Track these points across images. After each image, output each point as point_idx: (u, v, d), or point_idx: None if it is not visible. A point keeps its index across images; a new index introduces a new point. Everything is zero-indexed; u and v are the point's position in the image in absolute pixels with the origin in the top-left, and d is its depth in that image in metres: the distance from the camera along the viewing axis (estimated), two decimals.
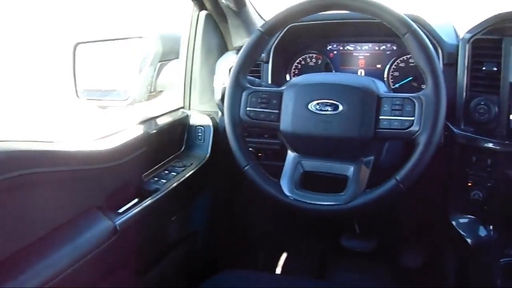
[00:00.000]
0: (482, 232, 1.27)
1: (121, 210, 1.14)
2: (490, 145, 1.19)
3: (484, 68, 1.20)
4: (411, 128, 0.99)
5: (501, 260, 1.18)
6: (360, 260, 1.82)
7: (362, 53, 1.44)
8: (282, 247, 1.92)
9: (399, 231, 1.76)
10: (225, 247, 1.69)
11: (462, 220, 1.29)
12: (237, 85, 1.12)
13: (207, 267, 1.51)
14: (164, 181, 1.30)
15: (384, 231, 1.79)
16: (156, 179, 1.31)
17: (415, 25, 1.01)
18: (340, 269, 1.84)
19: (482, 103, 1.19)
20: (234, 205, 1.71)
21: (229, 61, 1.37)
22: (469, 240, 1.28)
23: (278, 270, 1.87)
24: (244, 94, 1.12)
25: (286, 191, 1.07)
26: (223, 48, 1.57)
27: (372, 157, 1.07)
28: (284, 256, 1.90)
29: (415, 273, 1.76)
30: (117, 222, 1.07)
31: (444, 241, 1.51)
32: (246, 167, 1.10)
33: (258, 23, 1.50)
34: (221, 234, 1.66)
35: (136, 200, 1.20)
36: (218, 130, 1.48)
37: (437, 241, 1.58)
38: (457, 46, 1.25)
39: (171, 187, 1.28)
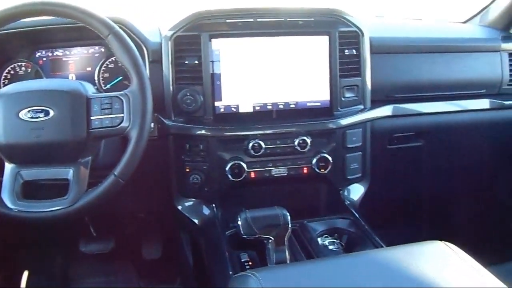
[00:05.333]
0: (206, 211, 1.40)
1: None
2: (203, 131, 1.32)
3: (186, 62, 1.31)
4: (122, 125, 1.04)
5: (227, 233, 1.31)
6: (103, 262, 1.82)
7: (71, 57, 1.43)
8: (22, 265, 1.81)
9: (135, 226, 1.81)
10: None
11: (187, 204, 1.41)
12: None
13: None
14: None
15: (120, 229, 1.82)
16: None
17: (116, 27, 1.06)
18: (84, 275, 1.82)
19: (188, 94, 1.30)
20: None
21: None
22: (196, 221, 1.40)
23: None
24: None
25: (9, 204, 1.03)
26: None
27: (89, 157, 1.09)
28: (26, 273, 1.79)
29: (157, 261, 1.84)
30: None
31: (176, 226, 1.61)
32: None
33: None
34: None
35: None
36: None
37: (171, 227, 1.67)
38: (161, 44, 1.32)
39: None
